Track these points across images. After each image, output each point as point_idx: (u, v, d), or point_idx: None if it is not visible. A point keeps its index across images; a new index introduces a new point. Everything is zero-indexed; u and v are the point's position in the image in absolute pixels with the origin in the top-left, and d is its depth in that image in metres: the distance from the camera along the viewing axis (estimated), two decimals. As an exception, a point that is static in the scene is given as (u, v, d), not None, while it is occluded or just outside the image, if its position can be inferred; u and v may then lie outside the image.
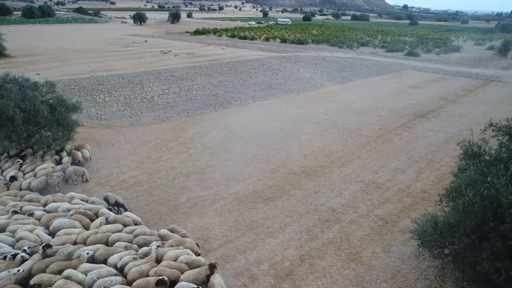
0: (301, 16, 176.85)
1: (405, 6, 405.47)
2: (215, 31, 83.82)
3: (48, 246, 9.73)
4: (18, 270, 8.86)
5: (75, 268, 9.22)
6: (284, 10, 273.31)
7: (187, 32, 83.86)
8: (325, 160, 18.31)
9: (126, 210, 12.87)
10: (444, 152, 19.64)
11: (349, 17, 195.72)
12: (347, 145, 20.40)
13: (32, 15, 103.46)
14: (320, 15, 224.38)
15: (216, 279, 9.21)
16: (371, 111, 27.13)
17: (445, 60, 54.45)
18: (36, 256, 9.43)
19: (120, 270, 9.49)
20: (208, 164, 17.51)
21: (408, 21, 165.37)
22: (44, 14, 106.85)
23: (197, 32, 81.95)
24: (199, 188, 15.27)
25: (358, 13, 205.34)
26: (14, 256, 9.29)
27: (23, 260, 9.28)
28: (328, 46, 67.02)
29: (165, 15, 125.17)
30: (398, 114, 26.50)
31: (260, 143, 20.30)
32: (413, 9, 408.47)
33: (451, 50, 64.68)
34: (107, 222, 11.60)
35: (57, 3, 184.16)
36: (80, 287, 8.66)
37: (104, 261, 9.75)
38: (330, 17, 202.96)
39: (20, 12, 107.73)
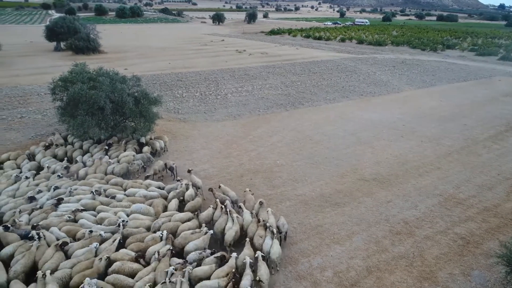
0: (381, 16, 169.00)
1: (502, 6, 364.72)
2: (289, 31, 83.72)
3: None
4: (97, 245, 9.78)
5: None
6: (363, 10, 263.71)
7: (262, 32, 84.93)
8: (399, 168, 17.20)
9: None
10: (543, 170, 17.25)
11: (434, 18, 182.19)
12: (425, 154, 18.96)
13: (124, 15, 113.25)
14: (401, 15, 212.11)
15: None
16: (455, 119, 24.91)
17: (548, 66, 47.93)
18: (116, 235, 10.28)
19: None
20: (276, 164, 17.51)
21: (504, 22, 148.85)
22: (134, 15, 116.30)
23: (272, 32, 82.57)
24: (266, 186, 15.33)
25: (444, 13, 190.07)
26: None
27: (103, 239, 10.22)
28: (408, 48, 63.00)
29: (242, 16, 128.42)
30: (487, 124, 23.95)
31: (330, 146, 19.77)
32: None
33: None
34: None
35: (146, 4, 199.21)
36: (138, 267, 9.37)
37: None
38: (412, 17, 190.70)
39: (114, 13, 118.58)
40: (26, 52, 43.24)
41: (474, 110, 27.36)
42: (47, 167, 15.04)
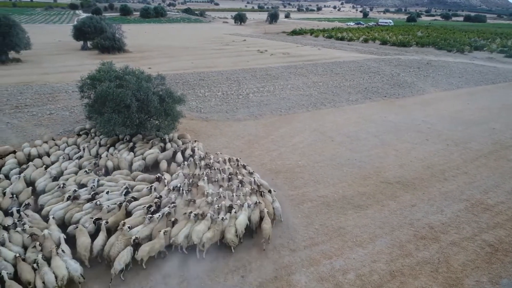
0: (405, 17, 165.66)
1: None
2: (311, 32, 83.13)
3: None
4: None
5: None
6: (386, 11, 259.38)
7: (284, 32, 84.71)
8: (424, 172, 16.84)
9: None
10: None
11: (461, 18, 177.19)
12: (451, 158, 18.48)
13: (148, 15, 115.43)
14: (426, 15, 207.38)
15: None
16: (483, 122, 24.18)
17: None
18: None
19: None
20: (298, 164, 17.44)
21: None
22: (158, 15, 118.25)
23: (294, 32, 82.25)
24: (287, 187, 15.30)
25: (472, 14, 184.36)
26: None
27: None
28: (434, 50, 61.50)
29: (264, 16, 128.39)
30: (517, 128, 23.13)
31: (353, 148, 19.54)
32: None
33: None
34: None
35: (169, 4, 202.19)
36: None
37: None
38: (438, 18, 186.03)
39: (138, 13, 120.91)
40: (54, 50, 44.70)
41: (503, 113, 26.47)
42: (87, 147, 16.29)
